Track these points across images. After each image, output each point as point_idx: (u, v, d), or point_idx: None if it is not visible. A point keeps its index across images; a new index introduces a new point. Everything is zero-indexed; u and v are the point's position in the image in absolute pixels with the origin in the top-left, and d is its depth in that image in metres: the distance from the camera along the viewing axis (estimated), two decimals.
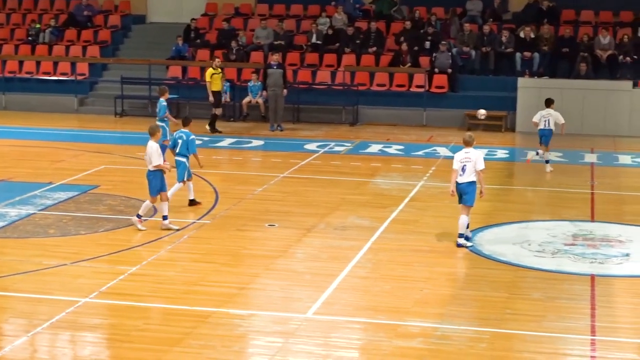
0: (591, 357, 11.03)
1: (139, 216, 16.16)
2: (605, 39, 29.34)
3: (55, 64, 32.03)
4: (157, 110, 21.74)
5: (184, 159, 17.57)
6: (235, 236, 16.01)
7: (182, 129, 17.87)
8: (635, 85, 27.92)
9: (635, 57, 28.91)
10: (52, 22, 33.55)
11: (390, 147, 24.98)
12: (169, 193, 16.84)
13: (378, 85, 29.94)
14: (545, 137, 21.59)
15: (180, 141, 17.64)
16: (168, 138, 19.80)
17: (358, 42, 30.82)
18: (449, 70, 29.34)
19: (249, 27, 32.66)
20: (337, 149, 24.58)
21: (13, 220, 16.80)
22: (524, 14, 31.32)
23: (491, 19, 31.04)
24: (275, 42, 31.11)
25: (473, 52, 29.93)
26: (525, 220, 17.36)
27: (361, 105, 29.38)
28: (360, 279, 13.83)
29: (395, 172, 21.53)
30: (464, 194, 15.44)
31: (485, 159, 15.67)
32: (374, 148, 24.83)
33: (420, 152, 24.27)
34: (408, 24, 30.89)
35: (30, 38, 33.32)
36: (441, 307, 12.66)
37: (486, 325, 11.94)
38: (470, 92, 29.21)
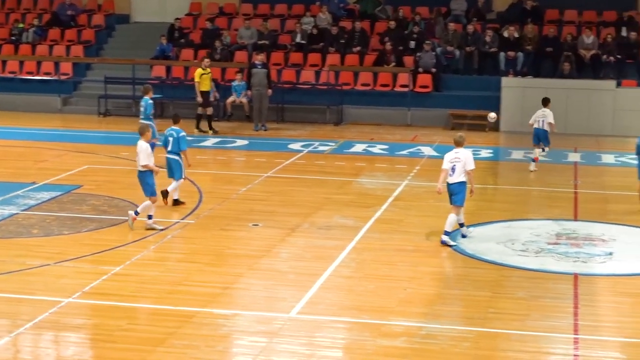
0: (574, 355, 11.06)
1: (136, 213, 16.06)
2: (588, 38, 29.44)
3: (39, 63, 31.94)
4: (143, 108, 21.67)
5: (177, 157, 17.61)
6: (219, 236, 15.99)
7: (173, 127, 17.88)
8: (618, 84, 28.05)
9: (618, 56, 29.02)
10: (36, 22, 33.44)
11: (375, 146, 25.00)
12: (169, 188, 17.46)
13: (362, 84, 29.96)
14: (538, 137, 21.73)
15: (171, 139, 17.65)
16: (157, 137, 19.80)
17: (342, 41, 30.82)
18: (433, 70, 29.38)
19: (233, 27, 32.63)
20: (321, 148, 24.58)
21: None
22: (507, 14, 31.40)
23: (475, 19, 31.10)
24: (260, 42, 31.08)
25: (457, 52, 29.98)
26: (509, 219, 17.39)
27: (345, 105, 29.39)
28: (344, 279, 13.82)
29: (379, 172, 21.54)
30: (454, 194, 15.47)
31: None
32: (358, 147, 24.84)
33: (404, 152, 24.29)
34: (392, 23, 30.92)
35: (13, 37, 33.17)
36: (425, 306, 12.67)
37: (470, 324, 11.95)
38: (454, 91, 29.26)
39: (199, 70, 27.05)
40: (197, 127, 26.68)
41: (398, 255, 14.93)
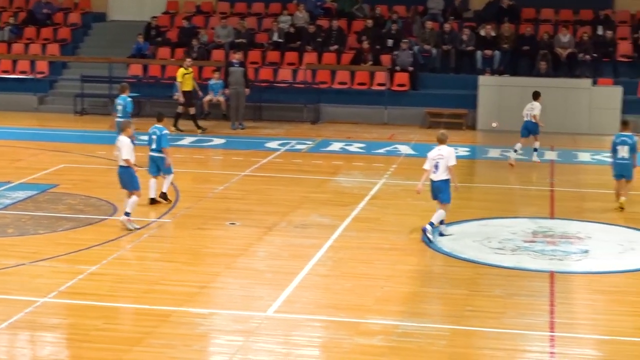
0: (550, 353, 11.11)
1: (127, 214, 16.00)
2: (565, 37, 29.57)
3: (15, 62, 31.76)
4: (121, 106, 21.54)
5: (162, 154, 17.62)
6: (196, 235, 15.96)
7: (156, 125, 17.89)
8: (594, 83, 28.18)
9: (594, 55, 29.17)
10: (11, 20, 33.25)
11: (352, 145, 25.02)
12: (164, 188, 17.62)
13: (339, 83, 29.96)
14: (527, 129, 22.35)
15: (154, 137, 17.65)
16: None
17: (319, 40, 30.82)
18: (410, 69, 29.42)
19: (210, 25, 32.57)
20: (298, 147, 24.57)
21: None
22: (484, 13, 31.50)
23: (452, 17, 31.16)
24: (237, 40, 31.03)
25: (434, 50, 30.04)
26: (485, 217, 17.45)
27: (322, 104, 29.40)
28: (321, 277, 13.82)
29: (356, 170, 21.55)
30: (439, 192, 15.56)
31: None
32: (335, 146, 24.85)
33: (381, 150, 24.32)
34: (369, 22, 30.94)
35: None
36: (402, 304, 12.69)
37: (446, 322, 11.99)
38: (432, 90, 29.32)
39: (182, 70, 26.98)
40: (175, 126, 26.60)
41: (375, 253, 14.95)
